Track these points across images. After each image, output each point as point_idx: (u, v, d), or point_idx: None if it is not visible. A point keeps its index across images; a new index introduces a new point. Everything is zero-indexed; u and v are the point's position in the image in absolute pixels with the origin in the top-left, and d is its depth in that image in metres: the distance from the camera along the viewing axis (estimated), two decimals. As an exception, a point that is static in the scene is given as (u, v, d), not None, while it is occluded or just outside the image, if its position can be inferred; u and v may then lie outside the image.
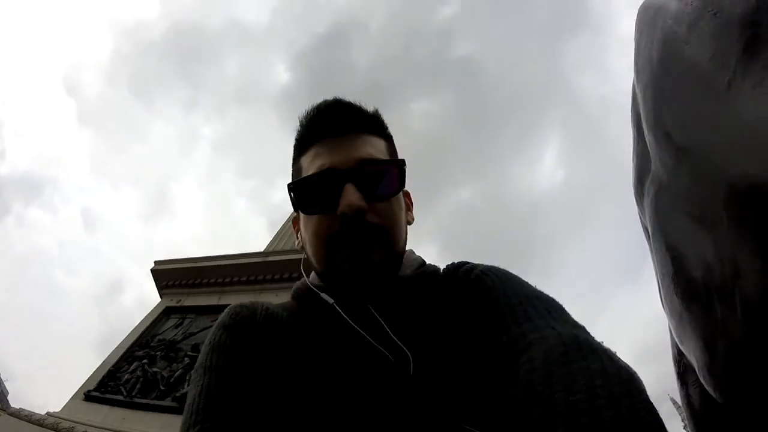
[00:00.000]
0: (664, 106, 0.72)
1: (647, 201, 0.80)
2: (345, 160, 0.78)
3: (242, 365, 0.70)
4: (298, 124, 0.86)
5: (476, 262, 0.87)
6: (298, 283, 0.89)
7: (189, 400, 0.66)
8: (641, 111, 0.80)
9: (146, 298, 13.03)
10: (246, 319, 0.78)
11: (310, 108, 0.85)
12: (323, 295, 0.79)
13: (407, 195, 0.91)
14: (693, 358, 0.73)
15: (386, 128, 0.89)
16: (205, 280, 12.33)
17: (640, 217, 0.89)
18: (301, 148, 0.86)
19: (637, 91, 0.82)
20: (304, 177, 0.80)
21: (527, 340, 0.59)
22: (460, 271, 0.84)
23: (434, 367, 0.69)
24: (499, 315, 0.67)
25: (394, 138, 0.90)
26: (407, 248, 0.90)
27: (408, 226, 0.87)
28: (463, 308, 0.75)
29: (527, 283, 0.75)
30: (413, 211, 0.92)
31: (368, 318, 0.74)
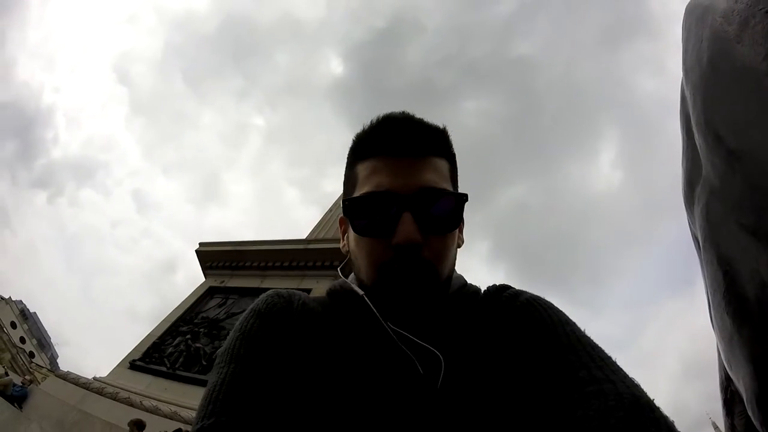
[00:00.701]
0: (715, 107, 0.70)
1: (697, 209, 0.77)
2: (405, 186, 0.73)
3: (269, 359, 0.67)
4: (362, 128, 0.81)
5: (520, 287, 0.84)
6: (335, 281, 0.86)
7: (209, 386, 0.64)
8: (690, 113, 0.77)
9: (197, 278, 13.38)
10: (281, 309, 0.76)
11: (376, 118, 0.80)
12: (355, 287, 0.78)
13: None
14: (742, 386, 0.69)
15: (451, 147, 0.83)
16: (247, 263, 12.66)
17: (690, 226, 0.85)
18: (358, 153, 0.81)
19: (686, 92, 0.79)
20: (361, 196, 0.76)
21: (586, 391, 0.57)
22: (504, 294, 0.81)
23: (464, 381, 0.67)
24: (553, 352, 0.65)
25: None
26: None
27: (458, 249, 0.84)
28: (505, 331, 0.73)
29: (574, 322, 0.72)
30: (463, 231, 0.88)
31: (399, 321, 0.73)
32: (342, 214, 0.84)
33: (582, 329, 0.70)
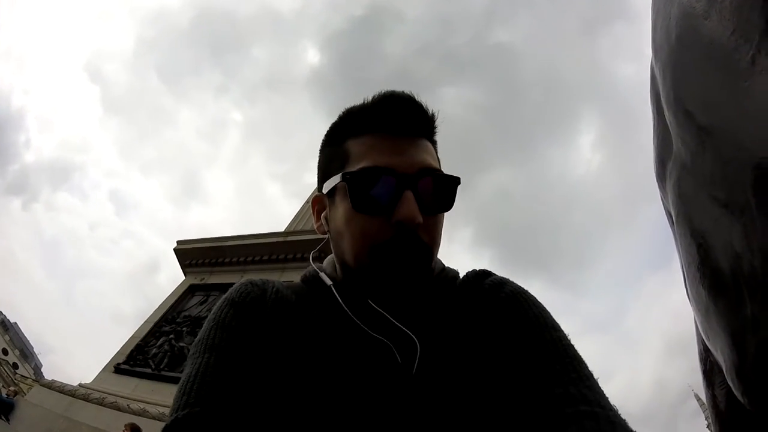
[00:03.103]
0: (684, 84, 0.70)
1: (669, 185, 0.78)
2: (407, 165, 0.72)
3: (244, 349, 0.67)
4: (359, 104, 0.79)
5: (498, 273, 0.84)
6: (309, 267, 0.85)
7: (184, 378, 0.64)
8: (660, 90, 0.77)
9: (180, 277, 13.19)
10: (255, 298, 0.75)
11: (378, 94, 0.77)
12: (322, 275, 0.79)
13: None
14: (720, 357, 0.70)
15: (435, 132, 0.83)
16: (227, 259, 12.57)
17: (663, 202, 0.86)
18: (351, 129, 0.78)
19: (656, 70, 0.79)
20: (362, 169, 0.73)
21: (578, 410, 0.56)
22: (486, 281, 0.80)
23: (440, 368, 0.67)
24: (539, 357, 0.65)
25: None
26: None
27: None
28: (487, 321, 0.73)
29: (560, 327, 0.72)
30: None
31: (380, 301, 0.72)
32: (317, 193, 0.84)
33: (567, 336, 0.69)
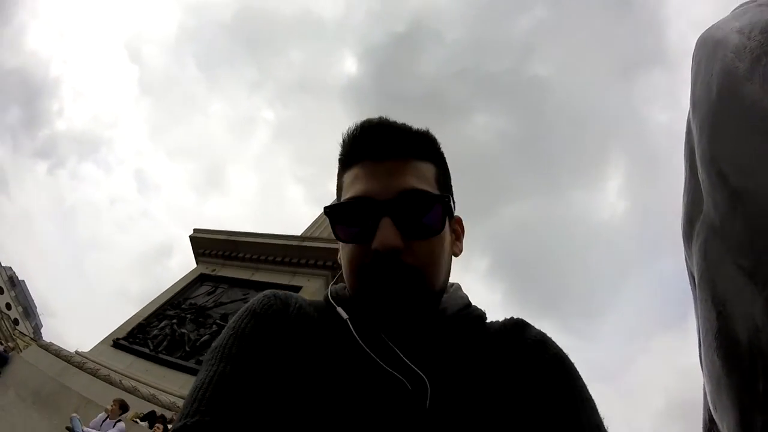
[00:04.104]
0: (721, 144, 0.67)
1: (696, 246, 0.74)
2: (384, 190, 0.72)
3: (260, 362, 0.66)
4: (343, 137, 0.80)
5: (533, 323, 0.82)
6: (334, 286, 0.84)
7: (196, 383, 0.63)
8: (696, 147, 0.74)
9: (191, 264, 13.33)
10: (277, 312, 0.75)
11: (353, 125, 0.78)
12: (339, 310, 0.76)
13: (458, 222, 0.85)
14: (725, 430, 0.67)
15: (437, 149, 0.81)
16: (240, 254, 12.67)
17: (686, 262, 0.82)
18: (343, 162, 0.80)
19: (693, 125, 0.76)
20: (340, 203, 0.76)
21: None
22: (528, 336, 0.78)
23: (455, 406, 0.66)
24: (567, 410, 0.67)
25: (446, 156, 0.84)
26: (455, 282, 0.86)
27: (455, 258, 0.82)
28: (521, 376, 0.71)
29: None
30: (463, 239, 0.86)
31: (390, 333, 0.72)
32: None
33: (603, 420, 0.69)
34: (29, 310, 42.08)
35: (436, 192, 0.75)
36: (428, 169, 0.77)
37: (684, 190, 0.82)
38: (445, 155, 0.83)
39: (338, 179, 0.81)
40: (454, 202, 0.81)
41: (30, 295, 42.96)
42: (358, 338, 0.70)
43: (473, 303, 0.85)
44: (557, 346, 0.77)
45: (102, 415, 6.94)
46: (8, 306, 37.30)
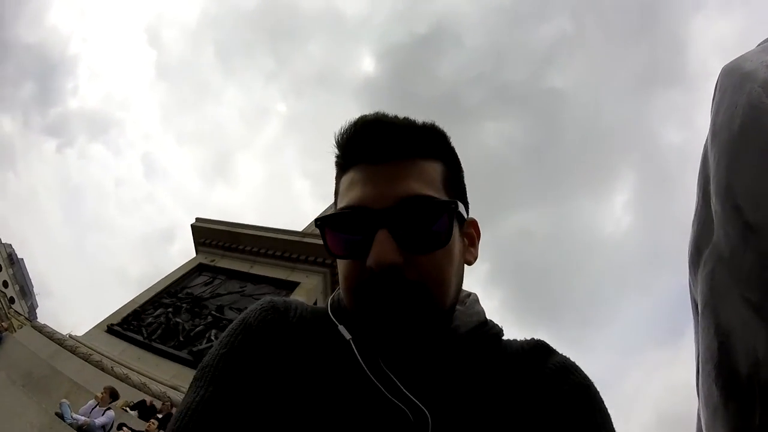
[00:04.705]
0: (738, 175, 0.67)
1: (702, 274, 0.74)
2: (382, 197, 0.63)
3: (249, 386, 0.62)
4: (336, 136, 0.71)
5: (557, 349, 0.75)
6: (335, 294, 0.76)
7: (182, 406, 0.61)
8: (711, 175, 0.73)
9: (192, 252, 13.45)
10: (273, 324, 0.69)
11: (348, 123, 0.69)
12: (341, 329, 0.68)
13: (473, 225, 0.76)
14: None
15: (445, 145, 0.72)
16: (240, 246, 12.66)
17: (690, 288, 0.81)
18: (340, 165, 0.72)
19: (710, 153, 0.75)
20: (331, 214, 0.67)
21: None
22: (549, 362, 0.70)
23: None
24: None
25: (458, 154, 0.76)
26: (472, 292, 0.78)
27: (468, 266, 0.74)
28: (538, 405, 0.64)
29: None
30: (478, 245, 0.77)
31: (395, 362, 0.65)
32: None
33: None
34: (26, 290, 42.19)
35: (443, 197, 0.66)
36: (434, 170, 0.68)
37: (694, 217, 0.81)
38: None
39: (335, 184, 0.73)
40: (467, 204, 0.73)
41: (28, 274, 43.08)
42: (362, 363, 0.63)
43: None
44: (583, 373, 0.69)
45: (92, 402, 6.93)
46: (5, 284, 37.41)
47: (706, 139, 0.78)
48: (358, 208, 0.64)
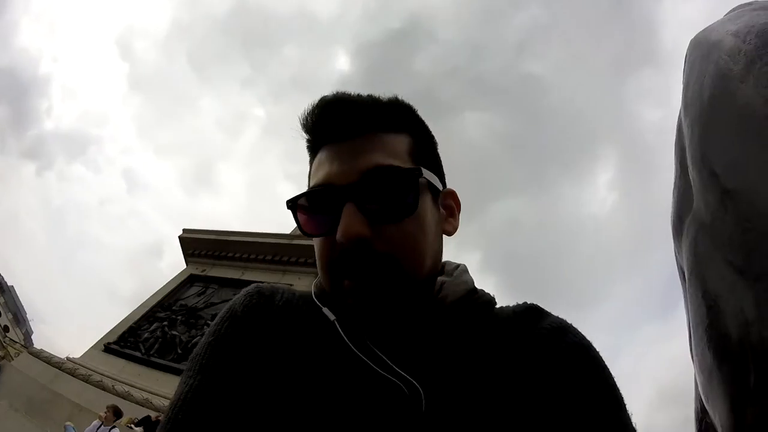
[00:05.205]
0: (712, 144, 0.68)
1: (686, 242, 0.75)
2: (345, 173, 0.64)
3: (238, 373, 0.62)
4: (299, 123, 0.71)
5: (546, 307, 0.73)
6: (318, 280, 0.74)
7: (174, 398, 0.61)
8: (687, 146, 0.74)
9: (182, 265, 13.34)
10: (259, 309, 0.69)
11: (309, 106, 0.69)
12: (325, 310, 0.68)
13: (451, 196, 0.76)
14: (717, 420, 0.68)
15: (411, 117, 0.72)
16: (230, 254, 12.62)
17: (676, 257, 0.83)
18: (309, 149, 0.72)
19: (684, 125, 0.76)
20: (300, 195, 0.68)
21: None
22: (543, 324, 0.68)
23: (457, 408, 0.59)
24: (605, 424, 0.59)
25: (433, 134, 0.76)
26: (459, 264, 0.77)
27: (447, 236, 0.73)
28: (535, 368, 0.63)
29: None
30: (459, 215, 0.76)
31: (381, 339, 0.64)
32: None
33: (631, 416, 0.62)
34: (19, 317, 41.57)
35: (408, 165, 0.66)
36: (400, 142, 0.68)
37: (674, 187, 0.83)
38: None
39: (309, 169, 0.73)
40: (442, 175, 0.74)
41: (20, 301, 42.39)
42: (348, 341, 0.63)
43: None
44: (579, 333, 0.68)
45: (96, 422, 6.89)
46: (-3, 313, 36.88)
47: (680, 111, 0.80)
48: (325, 186, 0.65)
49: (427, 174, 0.67)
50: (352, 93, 0.70)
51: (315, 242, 0.68)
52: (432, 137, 0.76)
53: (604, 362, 0.64)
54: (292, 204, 0.68)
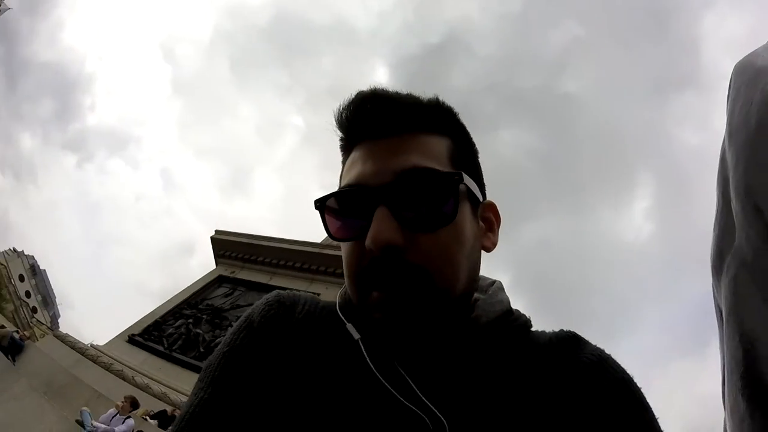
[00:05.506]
0: (758, 175, 0.64)
1: (725, 279, 0.70)
2: (380, 173, 0.58)
3: (251, 388, 0.59)
4: (335, 114, 0.66)
5: (589, 339, 0.68)
6: (342, 291, 0.69)
7: (184, 409, 0.59)
8: (730, 176, 0.70)
9: (211, 265, 13.70)
10: (279, 320, 0.65)
11: (345, 101, 0.64)
12: (349, 327, 0.62)
13: (491, 209, 0.69)
14: None
15: (452, 120, 0.67)
16: (259, 258, 12.70)
17: (714, 294, 0.78)
18: (343, 148, 0.68)
19: (728, 153, 0.72)
20: (329, 195, 0.63)
21: None
22: (583, 355, 0.62)
23: None
24: None
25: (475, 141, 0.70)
26: (494, 280, 0.71)
27: (485, 252, 0.67)
28: (575, 403, 0.57)
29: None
30: (499, 231, 0.70)
31: (410, 360, 0.58)
32: None
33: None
34: (48, 299, 42.84)
35: (447, 170, 0.60)
36: (440, 144, 0.62)
37: (715, 220, 0.77)
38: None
39: (341, 168, 0.68)
40: (482, 185, 0.68)
41: (50, 285, 43.76)
42: (371, 365, 0.57)
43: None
44: (620, 366, 0.61)
45: (112, 410, 6.93)
46: (28, 294, 38.00)
47: (723, 140, 0.75)
48: (356, 186, 0.59)
49: (468, 181, 0.61)
50: (390, 90, 0.64)
51: (343, 248, 0.62)
52: (473, 144, 0.69)
53: (645, 399, 0.59)
54: (321, 204, 0.63)
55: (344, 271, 0.62)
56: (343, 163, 0.66)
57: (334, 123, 0.65)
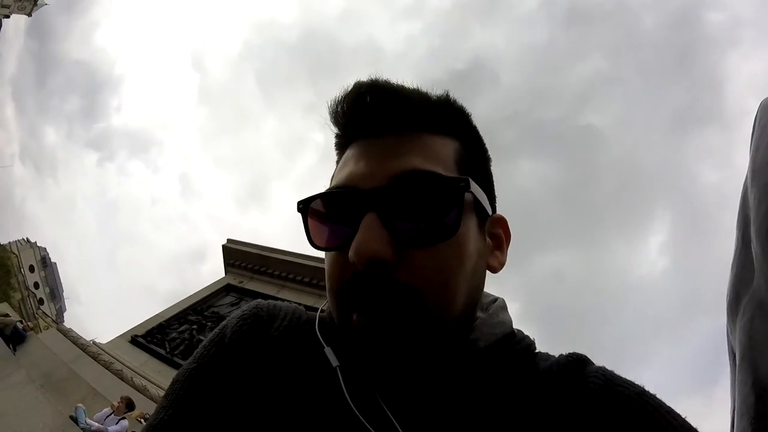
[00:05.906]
0: None
1: (741, 322, 0.67)
2: (373, 175, 0.50)
3: (215, 412, 0.54)
4: (328, 113, 0.58)
5: (593, 358, 0.58)
6: (325, 308, 0.62)
7: (144, 427, 0.55)
8: (752, 216, 0.66)
9: (221, 273, 13.72)
10: (252, 335, 0.59)
11: (341, 92, 0.56)
12: (327, 351, 0.55)
13: (501, 224, 0.60)
14: None
15: (463, 121, 0.59)
16: (269, 270, 12.65)
17: (728, 336, 0.75)
18: (337, 146, 0.60)
19: (750, 193, 0.69)
20: (314, 196, 0.54)
21: None
22: (591, 378, 0.52)
23: None
24: None
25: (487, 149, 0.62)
26: (496, 297, 0.63)
27: (491, 273, 0.58)
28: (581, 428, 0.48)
29: None
30: (508, 249, 0.61)
31: (394, 391, 0.51)
32: None
33: None
34: (55, 292, 43.15)
35: (452, 174, 0.52)
36: (446, 146, 0.54)
37: (733, 260, 0.75)
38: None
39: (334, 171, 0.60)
40: (492, 197, 0.59)
41: (59, 278, 44.12)
42: (348, 397, 0.49)
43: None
44: (629, 382, 0.52)
45: (107, 410, 6.87)
46: (36, 285, 38.34)
47: (746, 178, 0.72)
48: (345, 189, 0.52)
49: (475, 189, 0.52)
50: (394, 81, 0.55)
51: (326, 258, 0.53)
52: (485, 150, 0.61)
53: (664, 407, 0.49)
54: (304, 207, 0.55)
55: (326, 284, 0.54)
56: (337, 163, 0.59)
57: (329, 115, 0.58)
